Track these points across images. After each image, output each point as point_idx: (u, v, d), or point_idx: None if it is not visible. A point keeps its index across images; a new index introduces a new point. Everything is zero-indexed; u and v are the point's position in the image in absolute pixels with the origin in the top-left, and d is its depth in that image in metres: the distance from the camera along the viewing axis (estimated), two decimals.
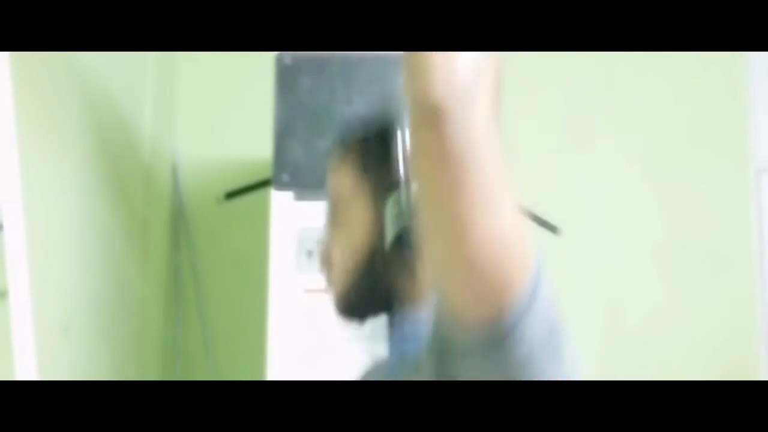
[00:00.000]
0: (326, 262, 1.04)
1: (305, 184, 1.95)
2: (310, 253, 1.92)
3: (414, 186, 0.91)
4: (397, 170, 0.94)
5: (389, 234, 0.94)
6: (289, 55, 1.98)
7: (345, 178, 1.02)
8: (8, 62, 1.42)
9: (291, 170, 1.95)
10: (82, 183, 1.93)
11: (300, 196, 1.95)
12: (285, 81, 1.98)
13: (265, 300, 1.92)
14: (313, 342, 1.89)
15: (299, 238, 1.93)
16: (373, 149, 0.99)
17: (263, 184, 2.07)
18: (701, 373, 2.37)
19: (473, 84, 0.67)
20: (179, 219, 2.52)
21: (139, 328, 2.29)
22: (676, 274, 2.47)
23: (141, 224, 2.31)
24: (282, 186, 1.95)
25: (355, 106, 1.96)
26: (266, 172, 2.02)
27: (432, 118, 0.66)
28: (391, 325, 1.00)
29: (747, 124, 2.53)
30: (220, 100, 2.58)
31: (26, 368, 1.40)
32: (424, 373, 0.87)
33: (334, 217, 1.03)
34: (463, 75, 0.66)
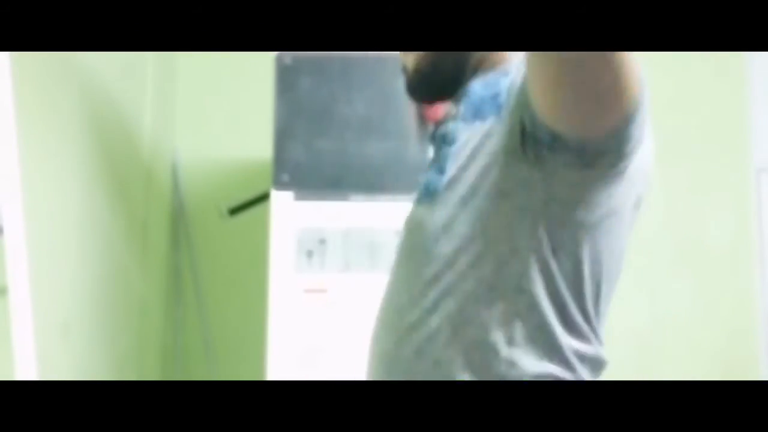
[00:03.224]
0: None
1: (305, 184, 1.95)
2: (310, 253, 1.92)
3: None
4: None
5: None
6: (289, 55, 1.97)
7: None
8: (8, 62, 1.42)
9: (291, 170, 1.95)
10: (82, 183, 1.93)
11: (300, 196, 1.95)
12: (285, 81, 1.97)
13: (265, 300, 1.92)
14: (313, 342, 1.89)
15: (299, 238, 1.93)
16: None
17: (266, 197, 2.07)
18: (701, 373, 2.37)
19: None
20: (179, 219, 2.52)
21: (139, 328, 2.29)
22: (676, 273, 2.47)
23: (141, 224, 2.31)
24: (282, 186, 1.95)
25: (355, 106, 1.96)
26: (266, 172, 2.02)
27: None
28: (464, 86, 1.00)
29: (747, 124, 2.53)
30: (220, 101, 2.58)
31: (26, 368, 1.40)
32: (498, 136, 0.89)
33: None
34: None
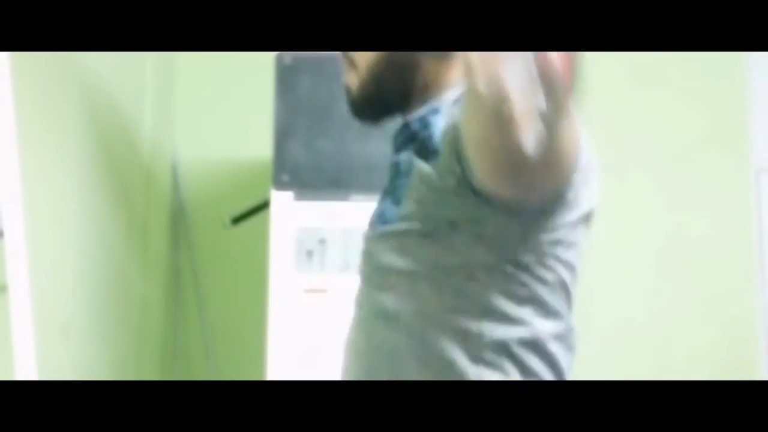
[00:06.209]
0: (350, 63, 1.03)
1: (305, 184, 1.95)
2: (310, 253, 1.92)
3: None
4: None
5: None
6: (289, 55, 1.97)
7: None
8: (8, 62, 1.42)
9: (291, 170, 1.95)
10: (82, 183, 1.93)
11: (300, 196, 1.95)
12: (285, 81, 1.97)
13: (265, 300, 1.92)
14: (313, 342, 1.89)
15: (299, 238, 1.93)
16: None
17: (266, 205, 2.07)
18: (701, 374, 2.37)
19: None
20: (179, 219, 2.52)
21: (139, 328, 2.29)
22: (676, 273, 2.47)
23: (141, 224, 2.31)
24: (282, 186, 1.95)
25: None
26: (266, 172, 2.02)
27: None
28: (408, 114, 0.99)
29: (747, 124, 2.53)
30: (220, 101, 2.58)
31: (26, 368, 1.40)
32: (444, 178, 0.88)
33: None
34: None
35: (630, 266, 2.48)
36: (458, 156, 0.85)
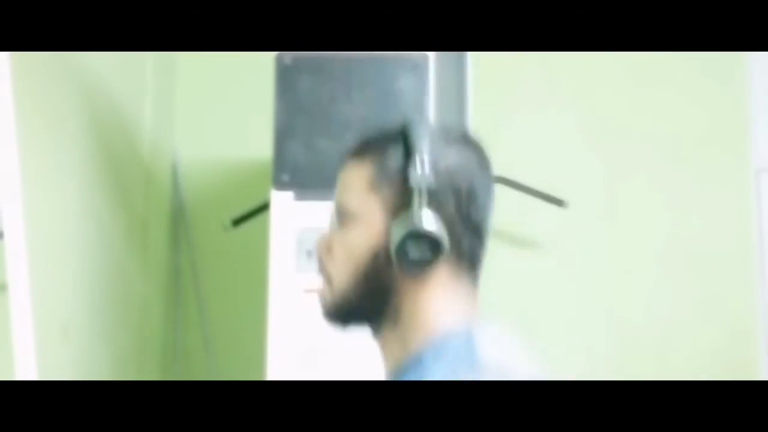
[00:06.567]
0: (326, 278, 1.03)
1: (305, 184, 1.95)
2: (310, 253, 1.92)
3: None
4: (411, 195, 0.93)
5: (394, 241, 0.94)
6: (289, 55, 1.97)
7: (357, 187, 1.01)
8: (8, 62, 1.42)
9: (291, 170, 1.95)
10: (82, 183, 1.93)
11: (300, 196, 1.95)
12: (285, 81, 1.97)
13: (265, 300, 1.92)
14: (313, 342, 1.89)
15: (299, 238, 1.93)
16: (389, 165, 0.98)
17: (266, 207, 2.06)
18: (701, 373, 2.37)
19: None
20: (179, 219, 2.52)
21: (139, 328, 2.29)
22: (676, 273, 2.47)
23: (141, 224, 2.31)
24: (282, 186, 1.95)
25: (355, 106, 1.96)
26: (266, 172, 2.02)
27: None
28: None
29: (747, 124, 2.53)
30: (220, 101, 2.58)
31: (26, 368, 1.40)
32: None
33: (341, 220, 1.03)
34: None
35: (630, 266, 2.48)
36: None
